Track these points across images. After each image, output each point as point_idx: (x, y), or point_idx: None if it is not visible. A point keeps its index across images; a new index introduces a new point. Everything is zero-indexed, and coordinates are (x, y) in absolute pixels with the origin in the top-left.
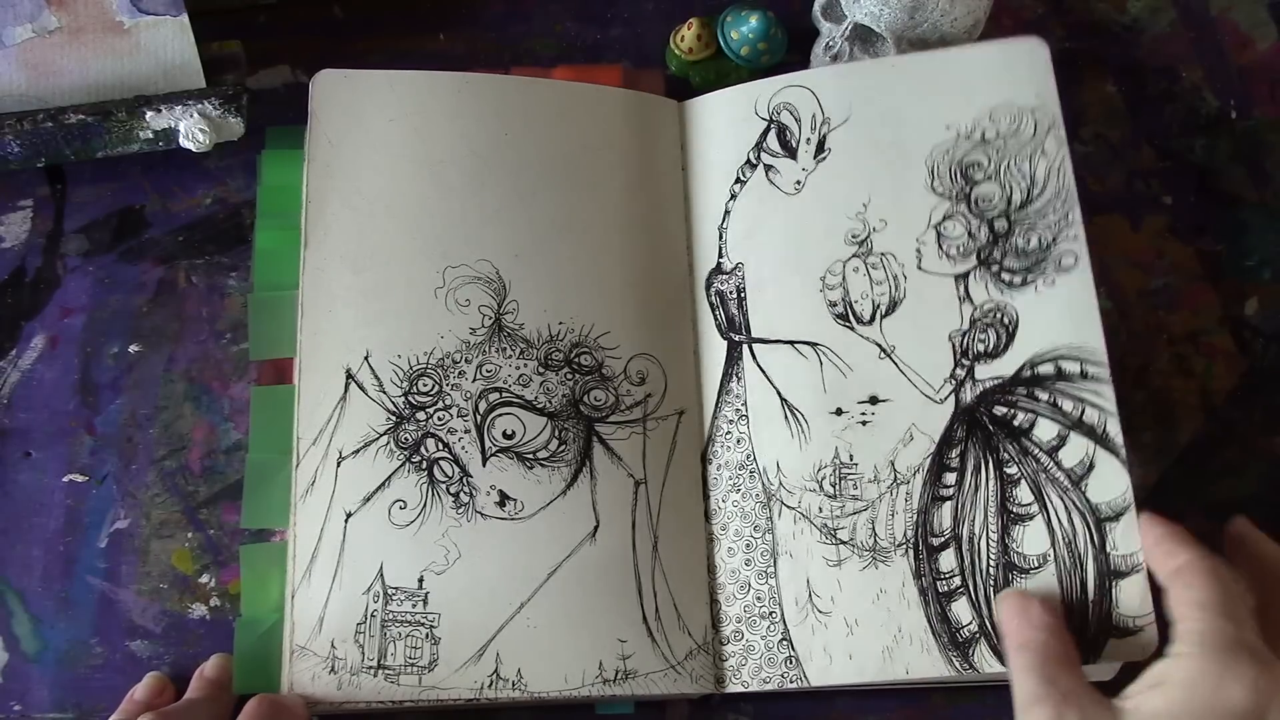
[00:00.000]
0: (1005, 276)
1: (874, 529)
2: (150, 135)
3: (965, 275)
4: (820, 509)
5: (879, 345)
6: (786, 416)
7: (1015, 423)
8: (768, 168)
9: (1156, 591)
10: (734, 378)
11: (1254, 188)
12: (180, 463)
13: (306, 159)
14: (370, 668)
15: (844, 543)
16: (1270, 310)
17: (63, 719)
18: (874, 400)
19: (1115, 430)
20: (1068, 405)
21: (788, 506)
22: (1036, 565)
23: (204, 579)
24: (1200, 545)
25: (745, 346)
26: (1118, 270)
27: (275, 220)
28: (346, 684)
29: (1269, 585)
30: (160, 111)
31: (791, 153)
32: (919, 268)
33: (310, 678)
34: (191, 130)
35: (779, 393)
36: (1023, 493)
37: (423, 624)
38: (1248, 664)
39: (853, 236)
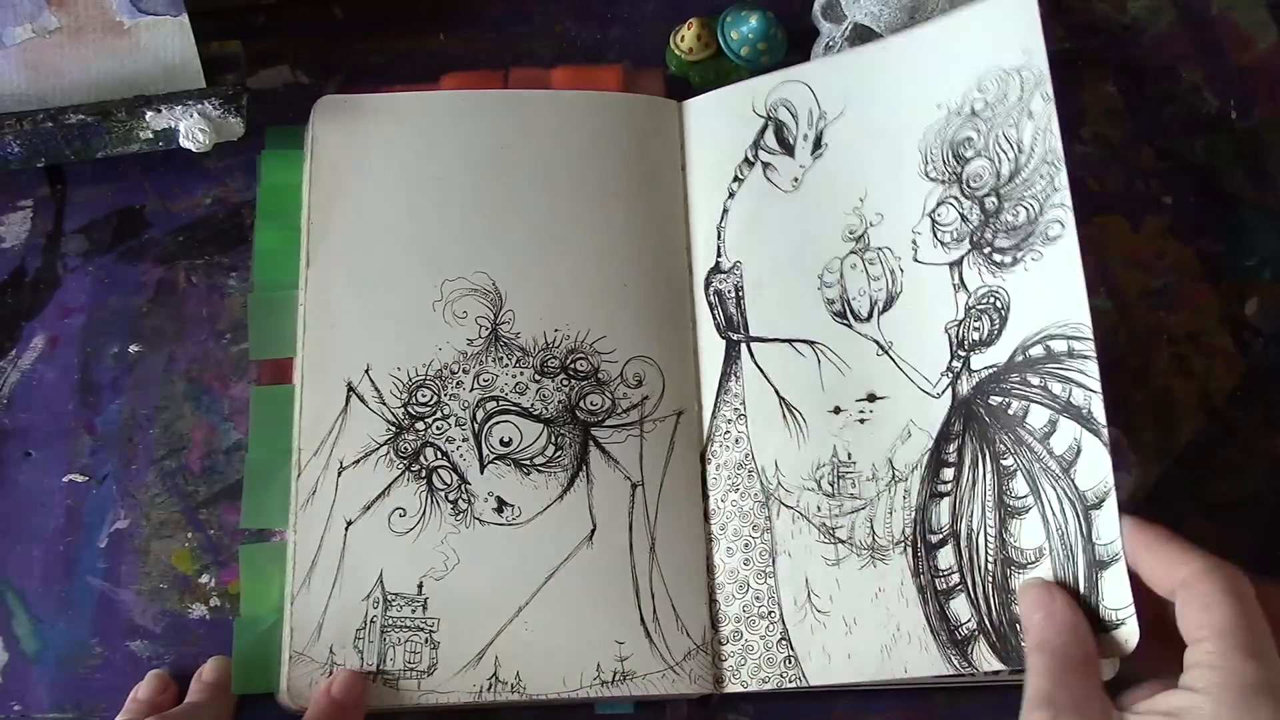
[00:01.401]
0: (996, 258)
1: (872, 527)
2: (150, 135)
3: (959, 262)
4: (819, 508)
5: (876, 342)
6: (785, 415)
7: (1010, 411)
8: (765, 165)
9: (1135, 580)
10: (733, 377)
11: (1254, 188)
12: (180, 463)
13: (309, 182)
14: (369, 673)
15: (842, 541)
16: (1270, 310)
17: (63, 719)
18: (872, 398)
19: (1099, 410)
20: (1057, 388)
21: (786, 506)
22: (1034, 559)
23: (204, 579)
24: (1201, 549)
25: (743, 345)
26: (1118, 270)
27: (275, 220)
28: None
29: None
30: (160, 111)
31: (789, 149)
32: (915, 259)
33: (308, 683)
34: (191, 130)
35: (777, 391)
36: (1019, 484)
37: (422, 629)
38: (1270, 712)
39: (850, 233)
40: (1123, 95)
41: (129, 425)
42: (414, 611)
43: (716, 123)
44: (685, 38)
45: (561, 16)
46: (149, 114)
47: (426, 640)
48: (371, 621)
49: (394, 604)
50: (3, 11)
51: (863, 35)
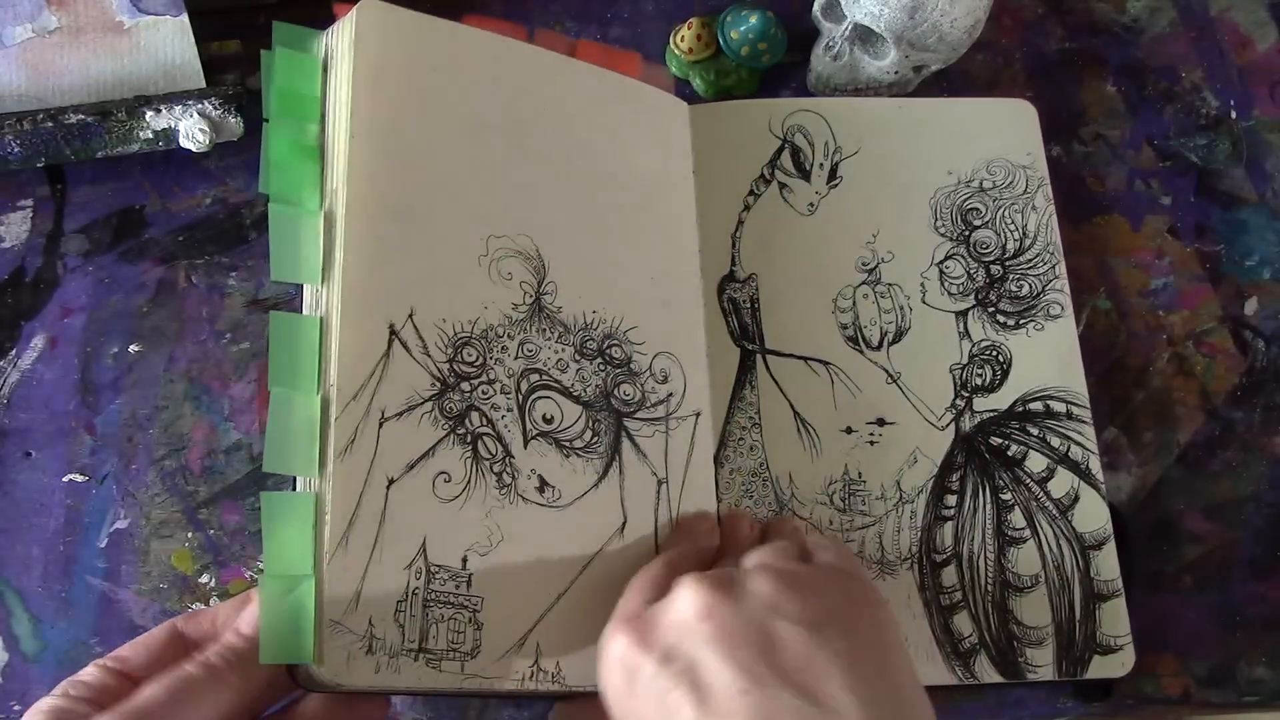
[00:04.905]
0: (1000, 318)
1: (881, 543)
2: (150, 135)
3: (965, 313)
4: (831, 522)
5: (886, 371)
6: (799, 430)
7: (1009, 453)
8: (782, 185)
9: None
10: (747, 385)
11: (1254, 188)
12: (180, 463)
13: (350, 92)
14: (411, 650)
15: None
16: (1270, 310)
17: None
18: (881, 422)
19: (1097, 468)
20: (1055, 441)
21: (800, 517)
22: (1030, 584)
23: (204, 579)
24: None
25: (758, 356)
26: (1118, 270)
27: (289, 130)
28: (385, 667)
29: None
30: (160, 111)
31: (805, 175)
32: (923, 301)
33: (346, 657)
34: (191, 130)
35: (792, 406)
36: (1016, 518)
37: (466, 607)
38: None
39: (863, 264)
40: (1123, 95)
41: (129, 425)
42: (458, 587)
43: (732, 134)
44: (685, 38)
45: (561, 16)
46: (149, 114)
47: (470, 620)
48: (414, 593)
49: (437, 576)
50: (3, 11)
51: (863, 35)
